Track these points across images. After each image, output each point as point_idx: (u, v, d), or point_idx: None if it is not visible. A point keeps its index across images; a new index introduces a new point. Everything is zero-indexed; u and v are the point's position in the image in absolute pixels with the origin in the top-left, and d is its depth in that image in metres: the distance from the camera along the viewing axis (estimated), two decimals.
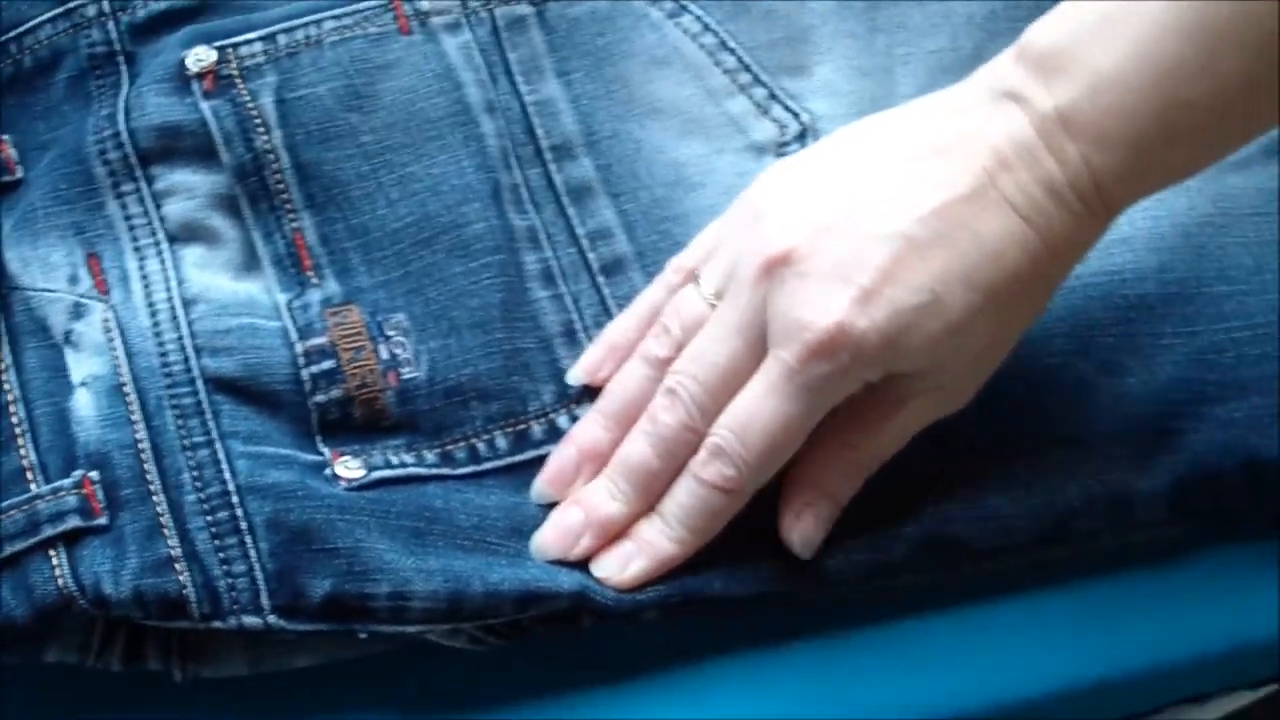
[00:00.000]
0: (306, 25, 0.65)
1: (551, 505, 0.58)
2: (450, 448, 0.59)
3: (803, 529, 0.57)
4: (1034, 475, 0.60)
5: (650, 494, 0.57)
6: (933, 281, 0.53)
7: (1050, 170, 0.53)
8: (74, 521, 0.55)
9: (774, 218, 0.55)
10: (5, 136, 0.64)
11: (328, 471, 0.58)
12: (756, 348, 0.55)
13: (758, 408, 0.54)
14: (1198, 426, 0.62)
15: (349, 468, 0.58)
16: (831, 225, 0.54)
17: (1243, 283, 0.66)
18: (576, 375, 0.61)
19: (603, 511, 0.57)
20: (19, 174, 0.64)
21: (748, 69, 0.68)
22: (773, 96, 0.67)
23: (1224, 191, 0.67)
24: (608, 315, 0.62)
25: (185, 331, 0.59)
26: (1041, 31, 0.54)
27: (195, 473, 0.56)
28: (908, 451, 0.58)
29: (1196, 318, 0.64)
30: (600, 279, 0.63)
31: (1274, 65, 0.52)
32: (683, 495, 0.56)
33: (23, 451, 0.57)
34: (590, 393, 0.60)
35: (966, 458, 0.60)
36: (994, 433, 0.60)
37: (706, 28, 0.68)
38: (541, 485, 0.58)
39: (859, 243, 0.53)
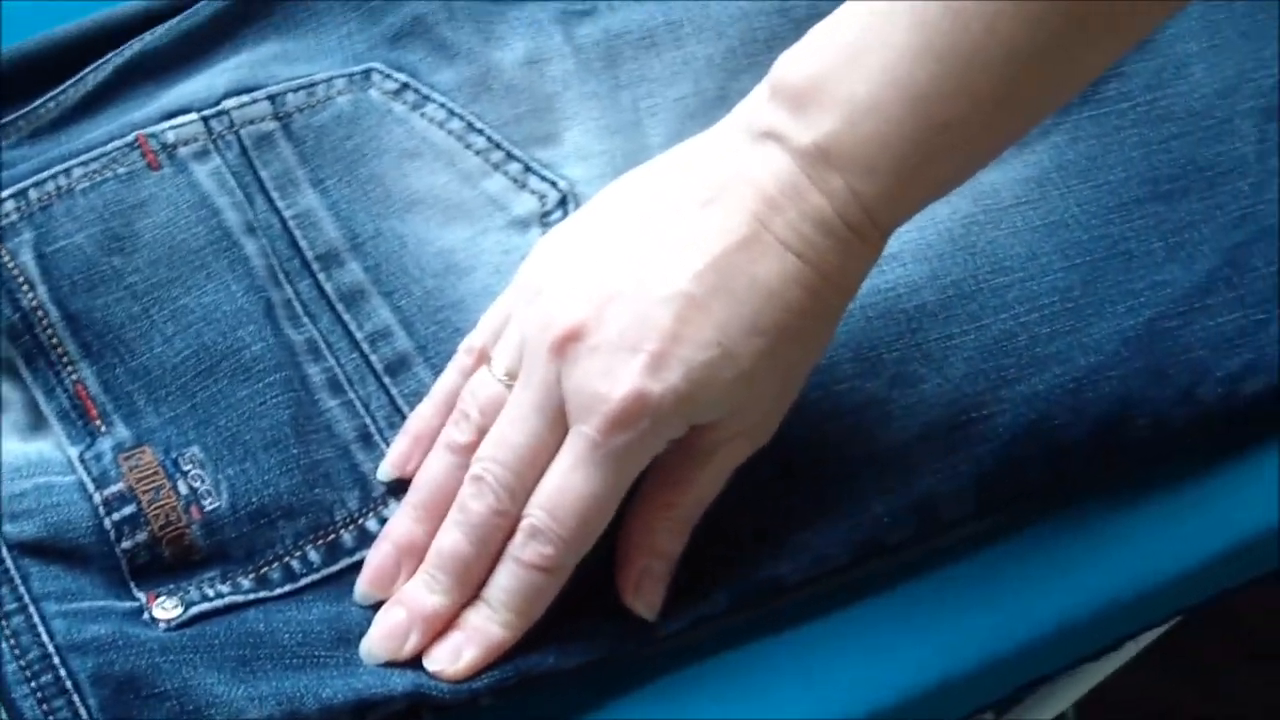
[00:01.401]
0: (56, 176, 0.68)
1: (378, 605, 0.60)
2: (264, 570, 0.62)
3: (644, 595, 0.60)
4: (838, 500, 0.64)
5: (470, 582, 0.59)
6: (719, 335, 0.56)
7: (818, 205, 0.56)
8: None
9: (556, 292, 0.58)
10: None
11: (145, 615, 0.60)
12: (557, 425, 0.57)
13: (567, 484, 0.57)
14: (998, 412, 0.66)
15: (166, 608, 0.60)
16: (612, 294, 0.56)
17: (1020, 270, 0.70)
18: (386, 471, 0.63)
19: (426, 607, 0.59)
20: None
21: (499, 147, 0.71)
22: (528, 169, 0.71)
23: (984, 189, 0.72)
24: (400, 414, 0.64)
25: None
26: (792, 65, 0.56)
27: (12, 640, 0.58)
28: (715, 501, 0.61)
29: (981, 313, 0.69)
30: (386, 379, 0.66)
31: (1024, 80, 0.56)
32: (504, 579, 0.58)
33: None
34: (396, 491, 0.62)
35: (770, 498, 0.63)
36: (793, 468, 0.64)
37: (451, 113, 0.72)
38: (364, 587, 0.61)
39: (642, 308, 0.56)
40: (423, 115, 0.71)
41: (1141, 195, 0.74)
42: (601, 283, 0.56)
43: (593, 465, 0.56)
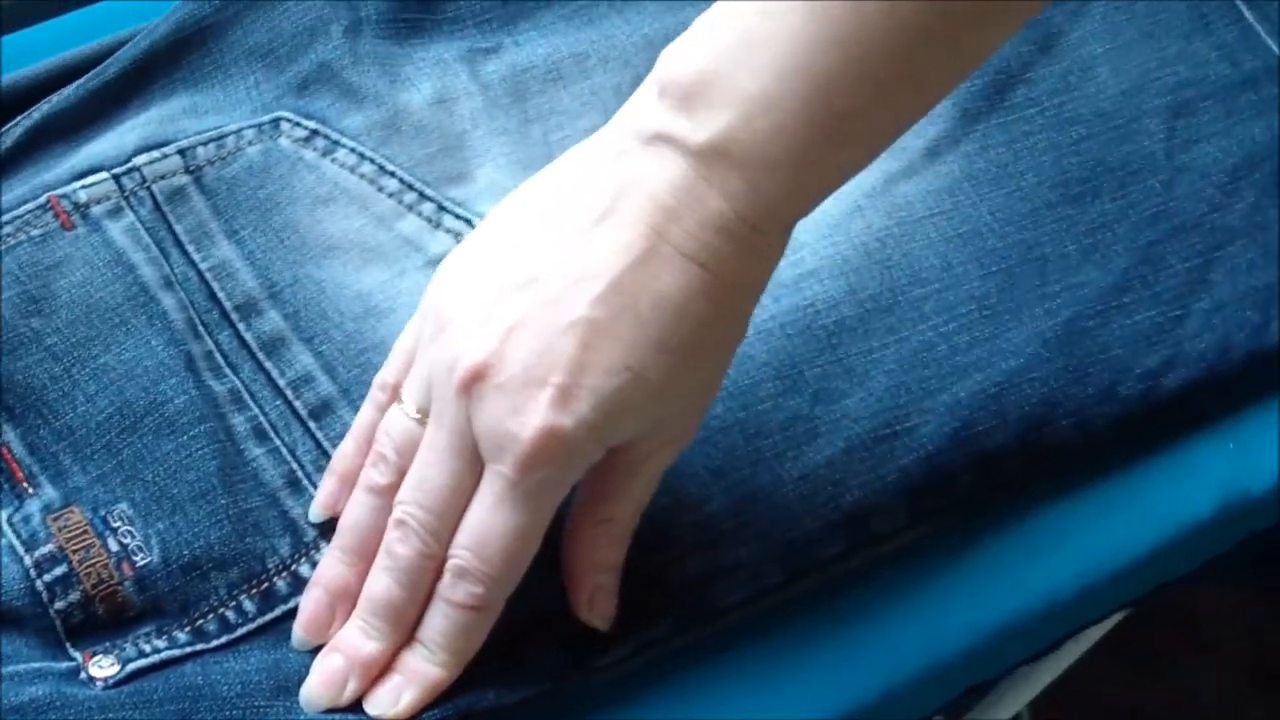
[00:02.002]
0: None
1: (316, 650, 0.61)
2: (200, 623, 0.62)
3: (598, 609, 0.62)
4: (768, 520, 0.65)
5: (404, 625, 0.60)
6: (626, 359, 0.55)
7: (717, 208, 0.55)
8: None
9: (459, 326, 0.57)
10: None
11: (83, 675, 0.60)
12: (474, 463, 0.57)
13: (489, 522, 0.57)
14: (922, 422, 0.68)
15: (102, 666, 0.61)
16: (514, 325, 0.56)
17: (936, 281, 0.72)
18: (317, 512, 0.64)
19: (363, 652, 0.60)
20: None
21: (411, 188, 0.72)
22: (442, 209, 0.72)
23: (897, 202, 0.74)
24: (326, 458, 0.65)
25: None
26: (679, 62, 0.55)
27: None
28: (647, 528, 0.62)
29: (900, 325, 0.70)
30: (311, 424, 0.66)
31: (925, 62, 0.56)
32: (437, 620, 0.59)
33: None
34: (327, 534, 0.63)
35: (701, 521, 0.65)
36: (722, 489, 0.65)
37: (362, 157, 0.73)
38: (300, 633, 0.61)
39: (545, 339, 0.55)
40: (333, 161, 0.72)
41: (1054, 199, 0.75)
42: (503, 314, 0.55)
43: (512, 503, 0.57)
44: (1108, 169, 0.77)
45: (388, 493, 0.60)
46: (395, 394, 0.61)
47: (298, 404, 0.67)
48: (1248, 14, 0.82)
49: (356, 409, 0.65)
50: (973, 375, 0.69)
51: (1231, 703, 1.31)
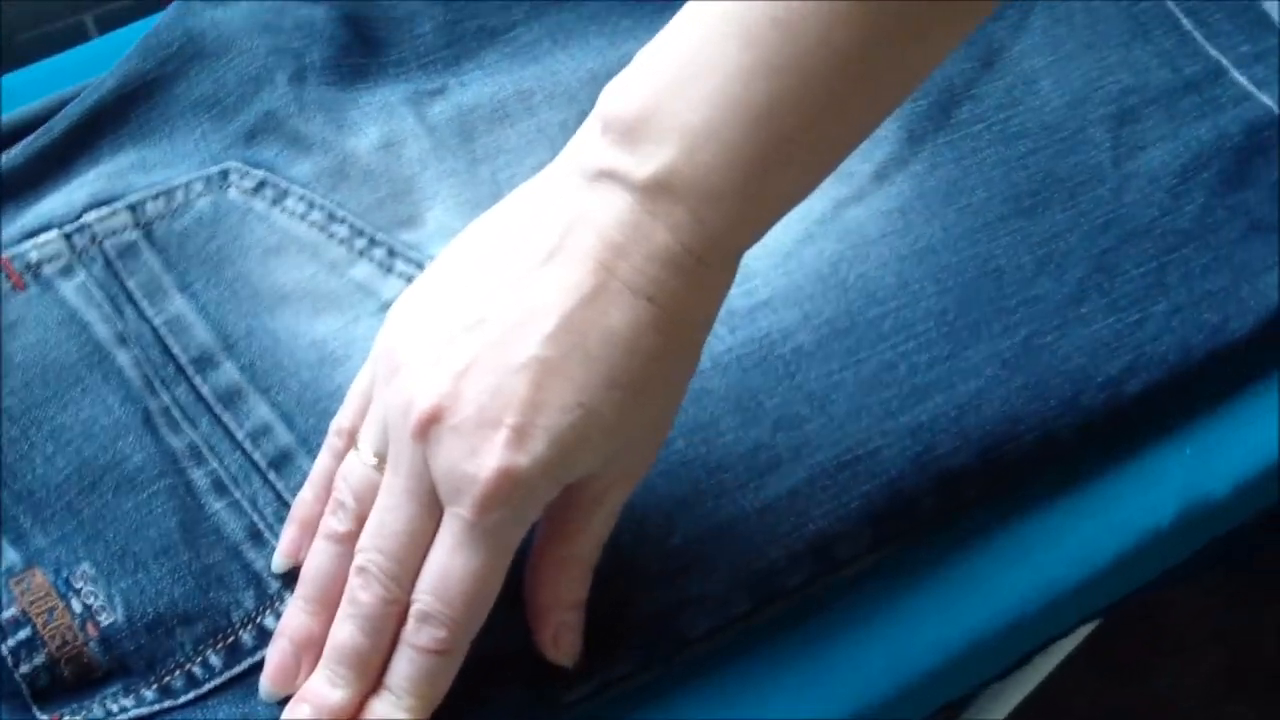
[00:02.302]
0: None
1: (285, 701, 0.61)
2: (167, 680, 0.62)
3: (563, 647, 0.62)
4: (732, 551, 0.65)
5: (370, 672, 0.60)
6: (579, 396, 0.56)
7: (664, 242, 0.55)
8: None
9: (412, 370, 0.57)
10: None
11: None
12: (433, 507, 0.58)
13: (450, 565, 0.57)
14: (884, 446, 0.68)
15: None
16: (467, 367, 0.56)
17: (893, 300, 0.72)
18: (279, 562, 0.64)
19: (330, 701, 0.59)
20: None
21: (362, 233, 0.73)
22: (393, 253, 0.72)
23: (849, 227, 0.74)
24: (287, 508, 0.65)
25: None
26: (620, 97, 0.55)
27: None
28: (611, 563, 0.62)
29: (858, 347, 0.71)
30: (271, 475, 0.67)
31: (863, 84, 0.56)
32: (403, 666, 0.59)
33: None
34: (291, 584, 0.63)
35: (666, 554, 0.65)
36: (685, 522, 0.66)
37: (312, 205, 0.73)
38: (267, 685, 0.61)
39: (497, 380, 0.56)
40: (283, 210, 0.73)
41: (1005, 212, 0.76)
42: (455, 356, 0.56)
43: (472, 545, 0.57)
44: (1057, 180, 0.77)
45: (348, 540, 0.60)
46: (352, 440, 0.61)
47: (256, 455, 0.67)
48: (1185, 21, 0.83)
49: (315, 457, 0.65)
50: (933, 396, 0.69)
51: (1207, 704, 1.32)
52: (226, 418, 0.68)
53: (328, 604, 0.61)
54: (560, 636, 0.62)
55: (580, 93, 0.77)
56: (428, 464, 0.57)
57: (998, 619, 0.68)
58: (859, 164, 0.76)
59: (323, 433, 0.64)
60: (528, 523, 0.58)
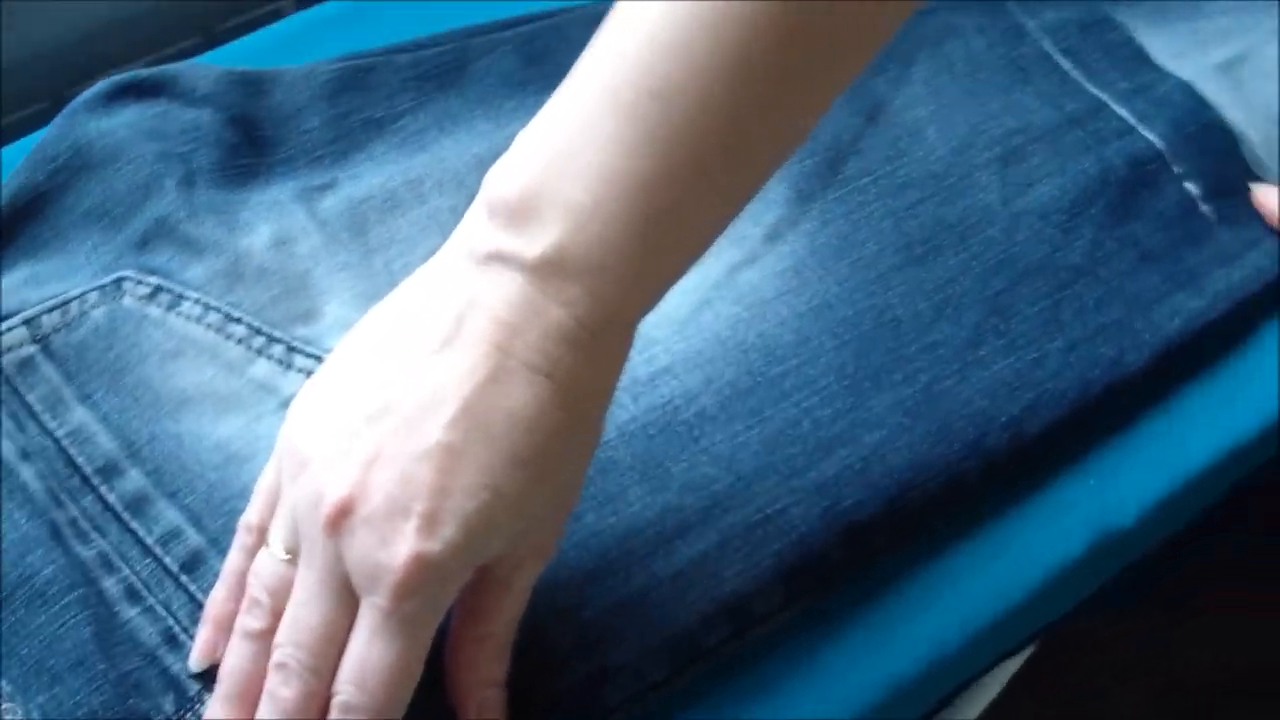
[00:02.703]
0: None
1: None
2: None
3: None
4: (647, 619, 0.66)
5: None
6: (484, 479, 0.57)
7: (558, 319, 0.56)
8: None
9: (319, 463, 0.58)
10: None
11: None
12: (348, 599, 0.58)
13: (369, 656, 0.58)
14: (792, 504, 0.69)
15: None
16: (373, 457, 0.57)
17: (793, 357, 0.74)
18: (197, 660, 0.64)
19: None
20: None
21: (259, 332, 0.73)
22: (291, 350, 0.73)
23: (744, 289, 0.76)
24: (201, 610, 0.65)
25: None
26: (504, 180, 0.57)
27: None
28: (528, 639, 0.63)
29: (761, 406, 0.72)
30: (183, 578, 0.67)
31: (741, 147, 0.58)
32: None
33: None
34: (209, 684, 0.63)
35: (583, 625, 0.66)
36: (598, 594, 0.67)
37: (208, 307, 0.74)
38: None
39: (404, 468, 0.56)
40: (179, 314, 0.73)
41: (898, 262, 0.77)
42: (361, 447, 0.56)
43: (390, 634, 0.58)
44: (947, 226, 0.79)
45: (265, 636, 0.60)
46: (261, 536, 0.62)
47: (168, 560, 0.67)
48: (1064, 62, 0.86)
49: (226, 557, 0.65)
50: (838, 450, 0.70)
51: None
52: (135, 525, 0.68)
53: (248, 701, 0.61)
54: (483, 715, 0.62)
55: (469, 177, 0.78)
56: (341, 556, 0.57)
57: (916, 663, 0.69)
58: (750, 227, 0.78)
59: (232, 532, 0.65)
60: (444, 607, 0.59)
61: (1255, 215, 0.81)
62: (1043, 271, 0.77)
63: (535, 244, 0.56)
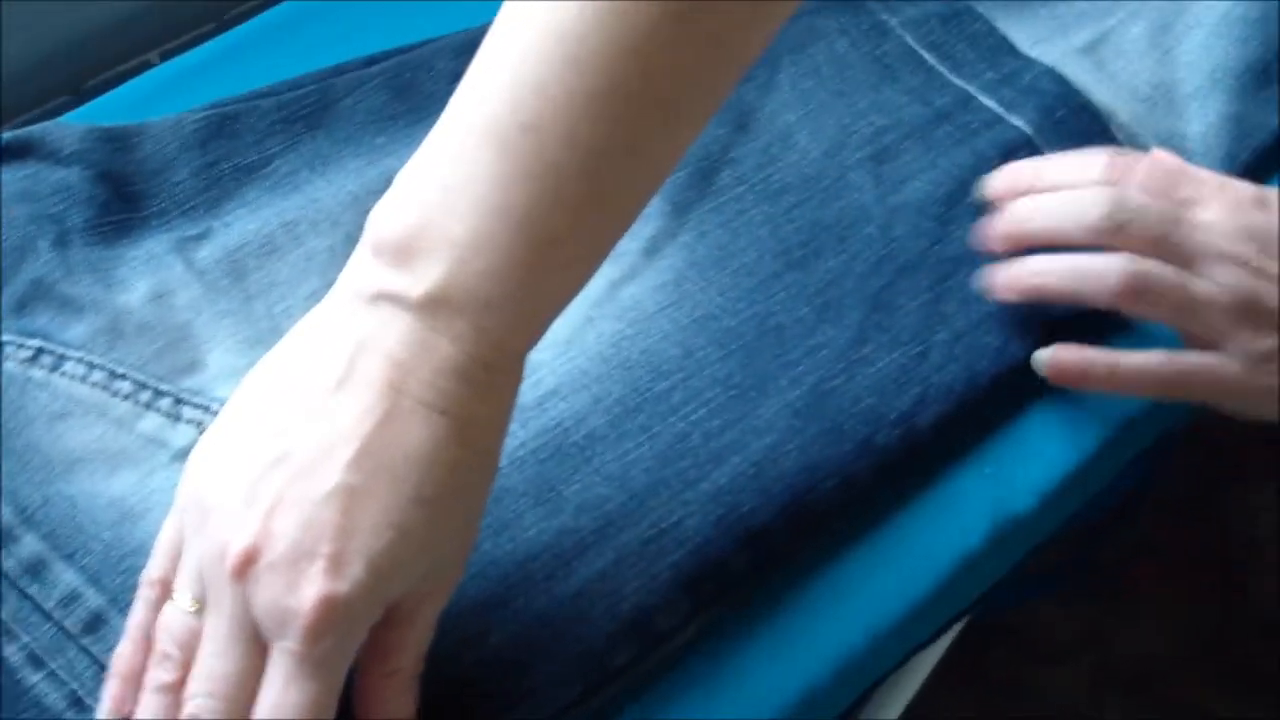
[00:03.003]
0: None
1: None
2: None
3: None
4: (552, 640, 0.67)
5: None
6: (387, 517, 0.57)
7: (448, 354, 0.57)
8: None
9: (222, 513, 0.58)
10: None
11: None
12: (258, 646, 0.58)
13: (283, 700, 0.58)
14: (687, 515, 0.70)
15: None
16: (276, 503, 0.57)
17: (679, 371, 0.75)
18: (107, 716, 0.64)
19: None
20: None
21: (145, 386, 0.73)
22: (179, 401, 0.73)
23: (625, 305, 0.76)
24: (105, 672, 0.65)
25: None
26: (387, 220, 0.58)
27: None
28: (436, 671, 0.63)
29: (650, 422, 0.73)
30: (84, 640, 0.67)
31: (616, 177, 0.59)
32: None
33: None
34: None
35: (487, 653, 0.67)
36: (501, 620, 0.67)
37: (91, 366, 0.74)
38: None
39: (307, 512, 0.57)
40: (63, 374, 0.73)
41: (778, 268, 0.78)
42: (262, 493, 0.57)
43: (302, 677, 0.58)
44: (824, 227, 0.80)
45: (176, 689, 0.60)
46: (165, 590, 0.62)
47: (68, 623, 0.67)
48: (929, 57, 0.87)
49: (127, 616, 0.65)
50: (729, 459, 0.71)
51: (1086, 707, 1.35)
52: (33, 590, 0.68)
53: None
54: None
55: (343, 216, 0.79)
56: (249, 604, 0.58)
57: (825, 665, 0.70)
58: (628, 243, 0.79)
59: (132, 589, 0.65)
60: (354, 648, 0.59)
61: None
62: (922, 265, 0.78)
63: (421, 282, 0.57)
